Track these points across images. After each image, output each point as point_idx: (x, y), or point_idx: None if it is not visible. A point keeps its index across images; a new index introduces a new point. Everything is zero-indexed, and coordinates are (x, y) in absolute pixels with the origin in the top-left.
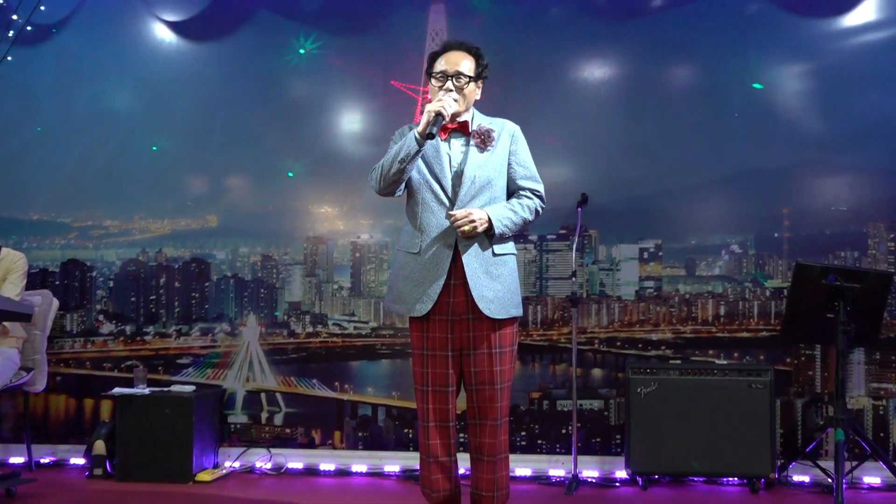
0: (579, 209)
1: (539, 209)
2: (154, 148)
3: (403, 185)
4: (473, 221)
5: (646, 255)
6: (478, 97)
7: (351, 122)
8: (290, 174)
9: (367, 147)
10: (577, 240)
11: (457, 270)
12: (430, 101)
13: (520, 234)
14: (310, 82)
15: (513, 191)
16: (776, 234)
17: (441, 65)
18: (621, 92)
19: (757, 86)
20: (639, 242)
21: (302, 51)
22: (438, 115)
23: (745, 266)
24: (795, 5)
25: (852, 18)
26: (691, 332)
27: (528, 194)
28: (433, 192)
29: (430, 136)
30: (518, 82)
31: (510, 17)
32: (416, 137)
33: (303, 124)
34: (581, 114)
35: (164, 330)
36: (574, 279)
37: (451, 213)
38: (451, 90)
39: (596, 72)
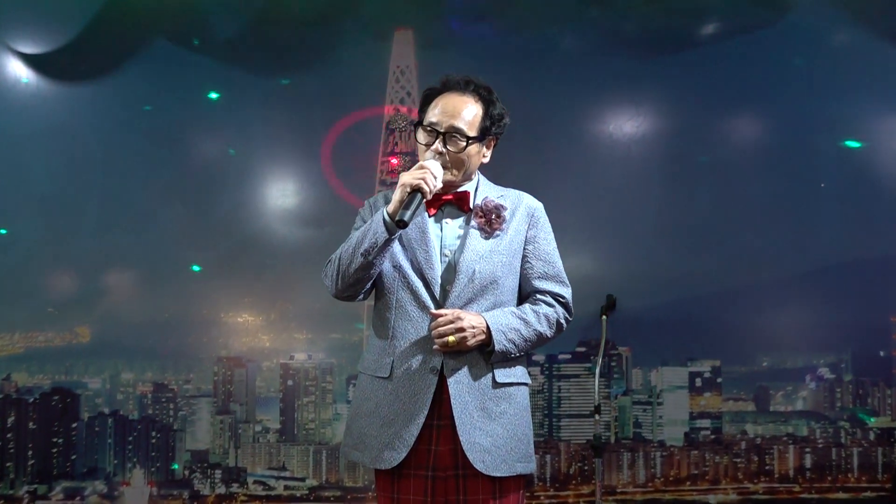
0: (604, 318)
1: (563, 322)
2: (2, 231)
3: (370, 284)
4: (462, 330)
5: (699, 382)
6: (486, 159)
7: (282, 195)
8: (195, 268)
9: (305, 230)
10: (601, 361)
11: (443, 405)
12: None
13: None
14: (224, 139)
15: (527, 294)
16: (882, 353)
17: (435, 113)
18: (661, 153)
19: (851, 143)
20: (689, 364)
21: (214, 95)
22: (417, 191)
23: (840, 397)
24: None
25: None
26: (765, 491)
27: (549, 299)
28: (413, 290)
29: (402, 224)
30: (517, 140)
31: (506, 51)
32: (384, 220)
33: (213, 198)
34: (605, 183)
35: (11, 492)
36: (598, 417)
37: (433, 312)
38: (443, 153)
39: (625, 125)
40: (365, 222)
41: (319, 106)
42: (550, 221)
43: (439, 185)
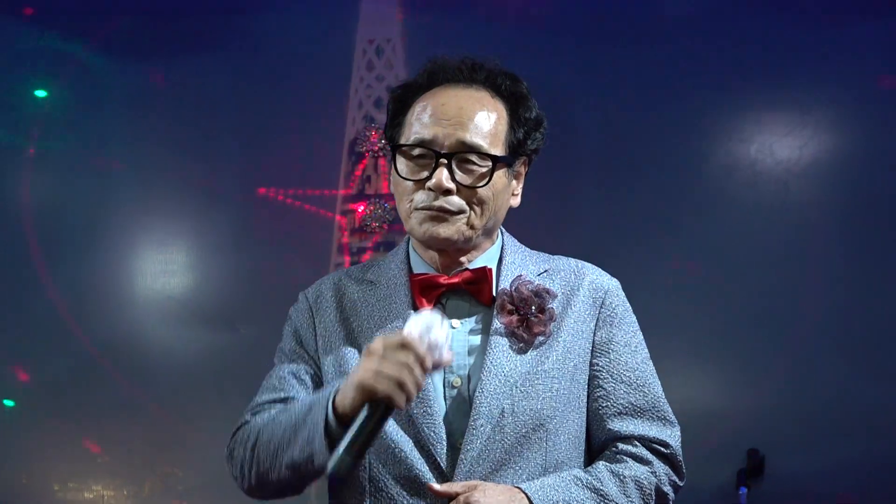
0: (744, 490)
1: (669, 490)
2: None
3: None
4: None
5: None
6: (516, 200)
7: (164, 271)
8: (8, 403)
9: (205, 335)
10: None
11: None
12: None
13: None
14: (62, 169)
15: (601, 442)
16: None
17: (424, 123)
18: (845, 193)
19: None
20: None
21: (42, 93)
22: (385, 409)
23: None
24: None
25: None
26: None
27: (641, 451)
28: (399, 457)
29: (344, 470)
30: (582, 171)
31: (565, 20)
32: (327, 420)
33: (39, 275)
34: (742, 247)
35: None
36: None
37: (434, 489)
38: (451, 190)
39: (779, 145)
40: (287, 352)
41: (231, 114)
42: (641, 315)
43: (445, 356)
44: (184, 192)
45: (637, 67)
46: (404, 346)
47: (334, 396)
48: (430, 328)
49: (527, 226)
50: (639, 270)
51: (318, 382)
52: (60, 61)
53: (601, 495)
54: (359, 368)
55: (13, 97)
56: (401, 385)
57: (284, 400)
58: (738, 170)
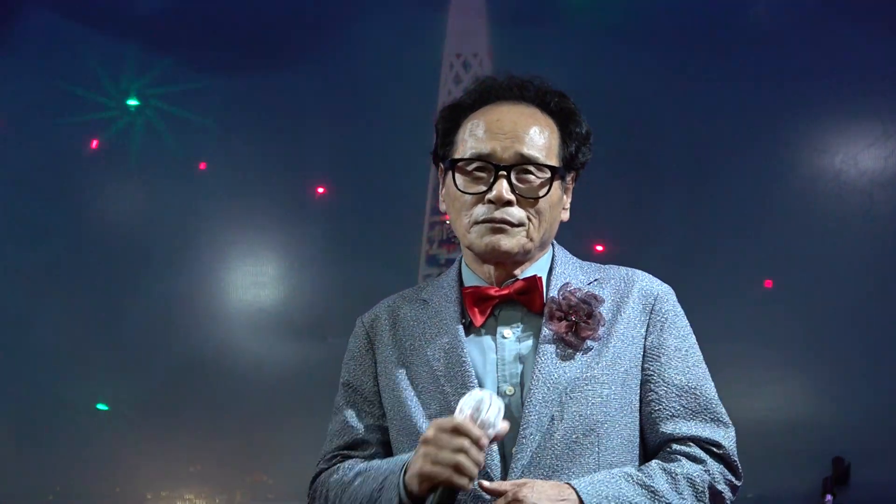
0: (829, 499)
1: (724, 489)
2: None
3: None
4: None
5: None
6: (566, 214)
7: (254, 283)
8: (102, 407)
9: (295, 346)
10: None
11: None
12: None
13: None
14: (152, 181)
15: (655, 445)
16: None
17: (479, 138)
18: None
19: None
20: None
21: (133, 101)
22: (450, 492)
23: None
24: None
25: None
26: None
27: (695, 451)
28: None
29: None
30: (671, 178)
31: (654, 30)
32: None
33: (133, 290)
34: (825, 258)
35: None
36: None
37: (484, 485)
38: (511, 201)
39: (863, 156)
40: (348, 389)
41: (321, 127)
42: (727, 324)
43: (501, 429)
44: (274, 204)
45: (721, 79)
46: (456, 430)
47: (405, 472)
48: (481, 407)
49: (612, 235)
50: (725, 281)
51: (380, 415)
52: (153, 75)
53: (651, 491)
54: (418, 457)
55: (107, 110)
56: (459, 469)
57: (352, 446)
58: (822, 180)
